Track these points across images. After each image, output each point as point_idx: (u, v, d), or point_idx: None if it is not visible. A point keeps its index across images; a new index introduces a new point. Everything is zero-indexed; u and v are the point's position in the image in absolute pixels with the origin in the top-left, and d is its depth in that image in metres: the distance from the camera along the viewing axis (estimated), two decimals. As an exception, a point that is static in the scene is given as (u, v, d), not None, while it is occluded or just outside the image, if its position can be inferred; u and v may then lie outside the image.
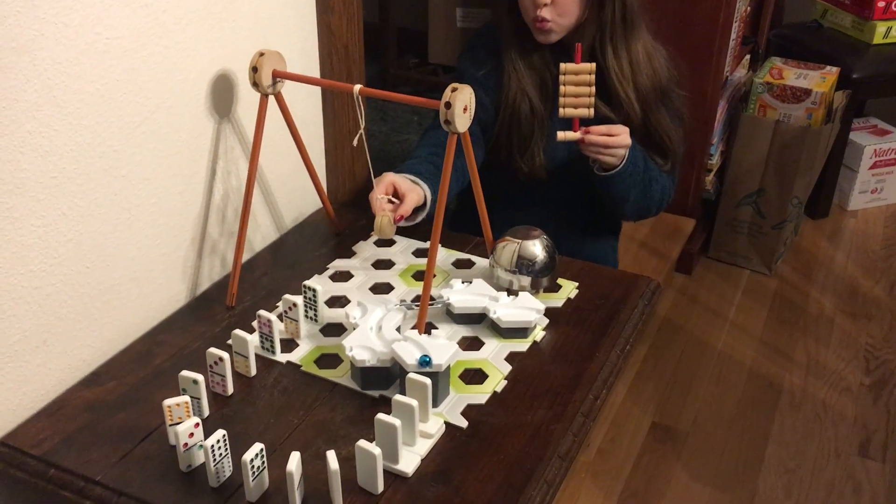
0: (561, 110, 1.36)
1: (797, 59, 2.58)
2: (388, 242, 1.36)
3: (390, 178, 1.21)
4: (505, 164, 1.47)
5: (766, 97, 2.43)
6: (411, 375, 0.95)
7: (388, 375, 1.03)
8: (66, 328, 1.05)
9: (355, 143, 1.10)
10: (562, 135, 1.37)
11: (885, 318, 2.40)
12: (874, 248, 2.73)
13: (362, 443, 0.88)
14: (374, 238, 1.37)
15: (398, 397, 0.93)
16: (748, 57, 2.73)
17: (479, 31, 1.58)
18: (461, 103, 1.02)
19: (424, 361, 0.98)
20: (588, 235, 1.60)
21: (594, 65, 1.33)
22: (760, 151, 2.45)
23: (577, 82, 1.35)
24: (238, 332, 1.05)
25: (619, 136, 1.39)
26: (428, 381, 0.94)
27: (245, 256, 1.29)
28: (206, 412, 0.99)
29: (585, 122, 1.37)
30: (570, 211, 1.51)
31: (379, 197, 1.17)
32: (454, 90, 1.01)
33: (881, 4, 2.63)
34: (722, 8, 2.25)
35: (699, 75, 2.33)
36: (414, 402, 0.92)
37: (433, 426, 0.97)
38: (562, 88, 1.35)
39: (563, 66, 1.34)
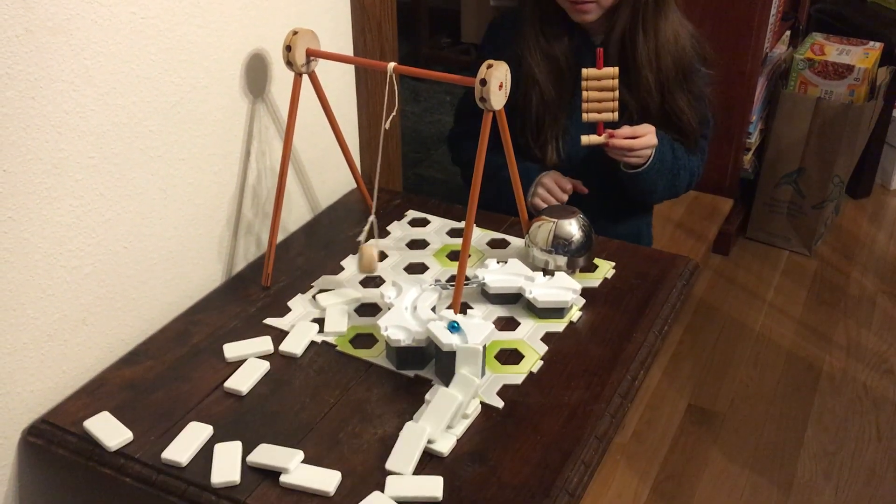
0: (584, 115, 1.34)
1: (839, 34, 2.51)
2: (423, 222, 1.35)
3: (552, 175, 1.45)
4: (524, 150, 1.46)
5: (807, 74, 2.38)
6: (462, 346, 0.95)
7: (424, 355, 1.03)
8: (105, 307, 1.06)
9: (387, 125, 1.09)
10: (586, 139, 1.37)
11: (929, 299, 2.35)
12: (918, 229, 2.67)
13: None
14: (408, 218, 1.36)
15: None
16: (788, 33, 2.67)
17: (501, 14, 1.57)
18: (497, 80, 1.00)
19: (453, 327, 0.97)
20: (621, 214, 1.58)
21: (616, 69, 1.32)
22: (801, 129, 2.40)
23: (600, 87, 1.33)
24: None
25: (645, 138, 1.38)
26: (480, 347, 0.95)
27: (280, 237, 1.29)
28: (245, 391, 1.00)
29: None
30: (601, 191, 1.49)
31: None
32: (489, 66, 1.00)
33: (928, -23, 2.55)
34: (762, -17, 2.21)
35: (738, 52, 2.29)
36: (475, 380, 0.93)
37: (469, 406, 0.96)
38: (584, 94, 1.34)
39: (584, 72, 1.33)
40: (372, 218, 1.16)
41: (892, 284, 2.41)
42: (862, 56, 2.36)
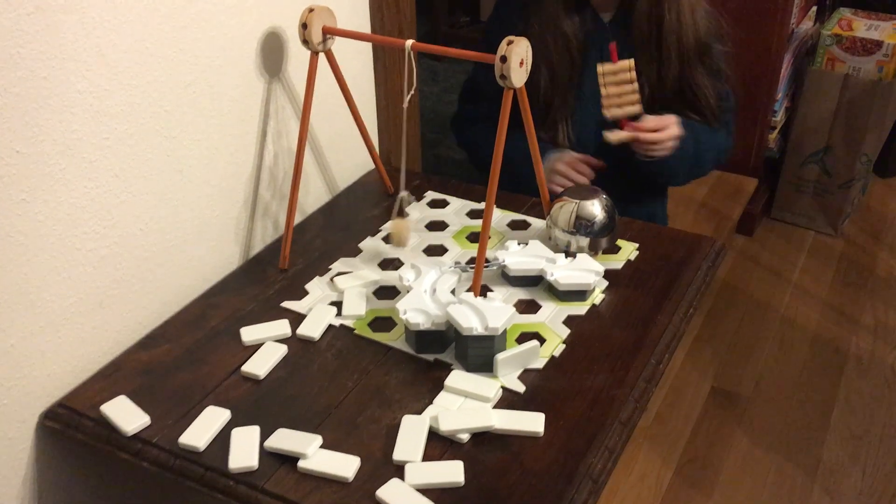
0: (605, 111, 1.32)
1: (867, 9, 2.45)
2: (442, 203, 1.33)
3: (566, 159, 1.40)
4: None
5: (835, 50, 2.32)
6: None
7: (444, 339, 1.01)
8: (122, 290, 1.05)
9: (406, 104, 1.06)
10: (611, 135, 1.34)
11: (959, 280, 2.30)
12: (948, 208, 2.61)
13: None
14: (427, 199, 1.34)
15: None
16: (815, 8, 2.61)
17: None
18: (517, 57, 0.98)
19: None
20: (633, 197, 1.53)
21: (632, 61, 1.29)
22: (828, 107, 2.35)
23: (617, 81, 1.30)
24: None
25: (669, 129, 1.35)
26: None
27: (297, 219, 1.28)
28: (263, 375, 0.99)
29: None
30: (614, 172, 1.46)
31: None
32: (510, 43, 0.97)
33: (961, -51, 2.48)
34: (788, -43, 2.15)
35: (763, 28, 2.24)
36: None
37: (490, 389, 0.94)
38: (603, 90, 1.32)
39: (600, 68, 1.31)
40: (403, 193, 1.14)
41: (921, 265, 2.36)
42: (891, 31, 2.30)
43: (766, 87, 2.32)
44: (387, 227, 1.25)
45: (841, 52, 2.32)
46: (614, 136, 1.35)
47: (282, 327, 1.06)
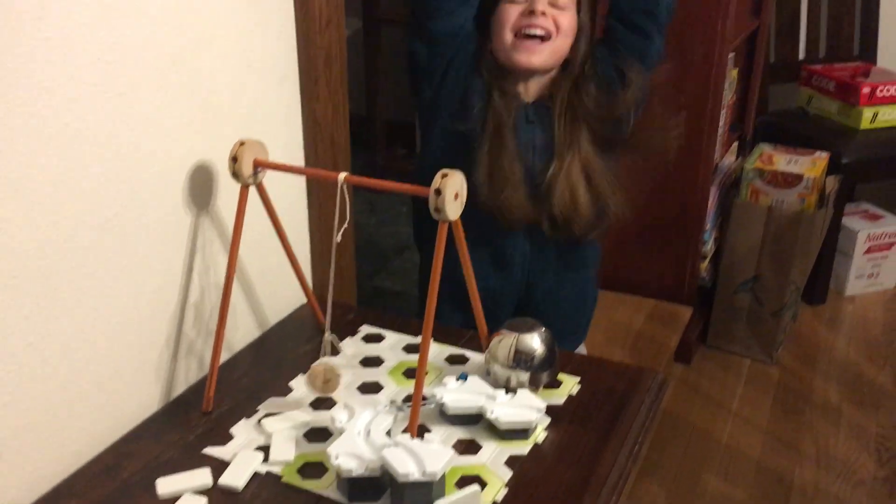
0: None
1: (786, 144, 2.57)
2: (377, 338, 1.28)
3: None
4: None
5: (758, 183, 2.41)
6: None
7: (379, 485, 0.94)
8: (25, 441, 0.96)
9: (338, 238, 1.03)
10: None
11: (894, 406, 2.32)
12: (875, 334, 2.67)
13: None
14: (362, 334, 1.29)
15: None
16: (736, 144, 2.73)
17: None
18: (452, 189, 0.96)
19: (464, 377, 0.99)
20: (564, 268, 1.47)
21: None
22: (755, 237, 2.42)
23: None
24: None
25: None
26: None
27: (224, 356, 1.21)
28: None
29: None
30: (543, 240, 1.41)
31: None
32: (444, 176, 0.96)
33: (866, 91, 2.65)
34: (709, 97, 2.26)
35: (690, 163, 2.32)
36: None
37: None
38: None
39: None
40: (328, 335, 1.09)
41: (856, 392, 2.38)
42: (810, 165, 2.41)
43: (694, 219, 2.38)
44: (309, 375, 1.08)
45: (764, 185, 2.41)
46: None
47: (202, 477, 0.97)
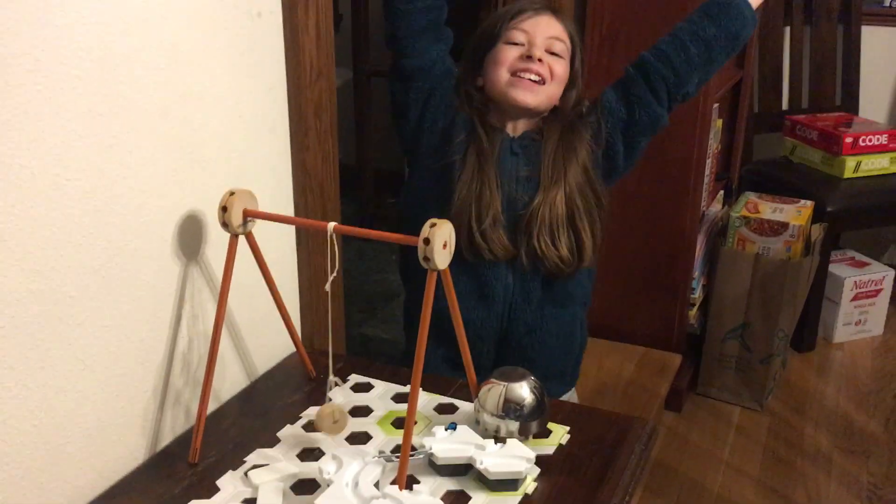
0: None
1: (771, 193, 2.60)
2: (366, 387, 1.28)
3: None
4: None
5: (744, 231, 2.43)
6: None
7: (366, 539, 0.93)
8: (6, 495, 0.94)
9: (328, 287, 1.04)
10: None
11: (884, 454, 2.31)
12: (864, 382, 2.67)
13: None
14: (350, 383, 1.29)
15: None
16: (722, 192, 2.76)
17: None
18: (441, 239, 0.97)
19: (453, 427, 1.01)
20: (548, 303, 1.45)
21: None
22: (742, 285, 2.43)
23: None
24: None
25: None
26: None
27: (211, 407, 1.20)
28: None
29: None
30: (530, 277, 1.41)
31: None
32: (433, 225, 0.97)
33: (848, 140, 2.69)
34: (695, 147, 2.30)
35: (677, 211, 2.35)
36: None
37: None
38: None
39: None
40: (332, 377, 1.10)
41: (846, 440, 2.37)
42: (795, 213, 2.44)
43: (682, 267, 2.40)
44: (318, 416, 1.10)
45: (750, 233, 2.43)
46: None
47: (187, 531, 0.96)
